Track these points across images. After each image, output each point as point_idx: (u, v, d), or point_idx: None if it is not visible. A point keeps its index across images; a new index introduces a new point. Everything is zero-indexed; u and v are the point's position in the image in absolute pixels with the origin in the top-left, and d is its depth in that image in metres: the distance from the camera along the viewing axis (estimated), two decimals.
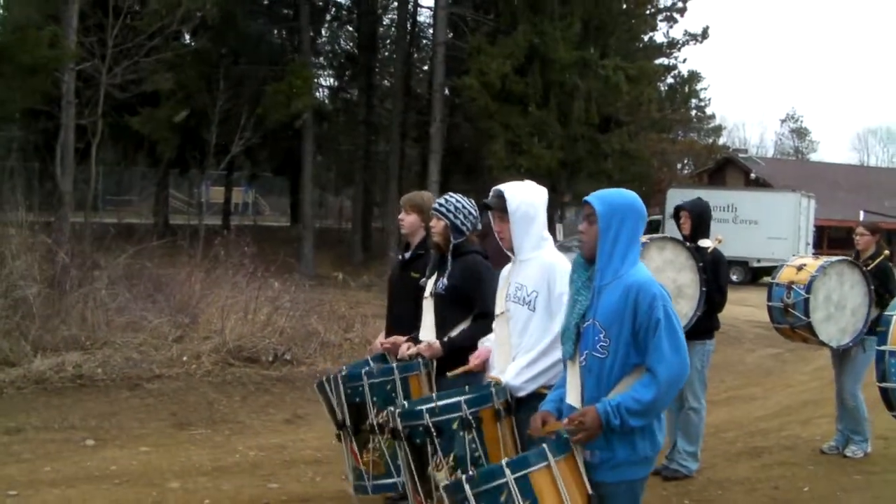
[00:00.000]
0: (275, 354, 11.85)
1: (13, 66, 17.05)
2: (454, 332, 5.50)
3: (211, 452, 8.24)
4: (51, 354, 10.37)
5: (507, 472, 3.59)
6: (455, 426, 4.33)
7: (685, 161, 46.80)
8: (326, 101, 33.47)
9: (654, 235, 7.85)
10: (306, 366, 11.90)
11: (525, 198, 4.75)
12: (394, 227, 26.60)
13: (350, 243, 29.89)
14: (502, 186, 4.83)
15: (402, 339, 5.78)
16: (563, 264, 4.58)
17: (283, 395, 10.60)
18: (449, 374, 5.19)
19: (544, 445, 3.74)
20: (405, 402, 4.88)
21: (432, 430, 4.30)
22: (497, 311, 4.90)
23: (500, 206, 4.76)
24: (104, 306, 11.68)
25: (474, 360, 5.18)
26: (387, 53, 33.78)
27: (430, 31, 29.88)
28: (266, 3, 30.80)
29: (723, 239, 7.86)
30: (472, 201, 5.69)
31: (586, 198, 4.00)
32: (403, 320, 5.97)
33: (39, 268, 11.87)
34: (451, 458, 4.30)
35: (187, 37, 24.71)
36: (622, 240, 3.88)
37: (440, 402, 4.49)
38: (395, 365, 5.57)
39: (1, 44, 18.71)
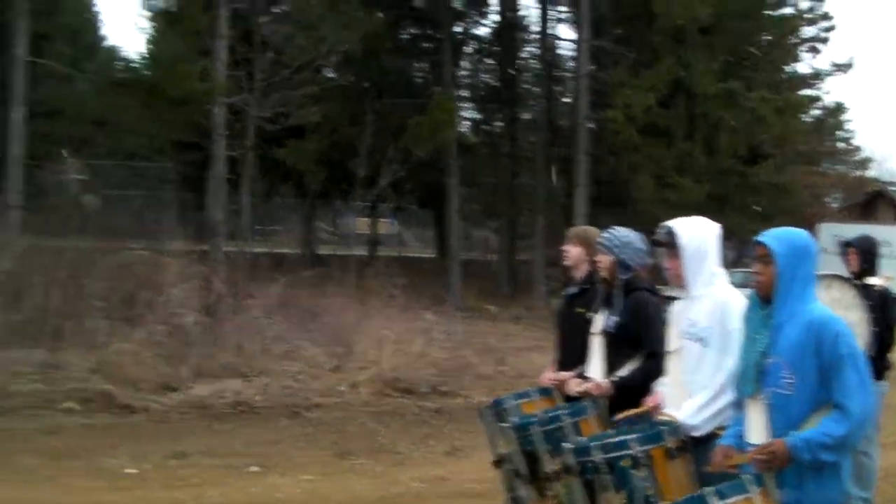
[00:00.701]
0: (431, 386, 11.85)
1: (165, 100, 17.67)
2: (623, 371, 5.39)
3: (373, 483, 8.26)
4: (210, 381, 10.62)
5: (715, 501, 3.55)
6: (626, 464, 4.27)
7: (834, 195, 45.43)
8: (469, 134, 33.70)
9: (820, 273, 7.56)
10: (462, 398, 11.86)
11: (696, 233, 4.70)
12: (540, 259, 26.55)
13: (496, 275, 29.93)
14: (672, 222, 4.77)
15: (568, 374, 5.69)
16: (736, 300, 4.52)
17: (441, 427, 10.57)
18: (618, 416, 5.09)
19: (744, 477, 3.68)
20: (577, 439, 4.81)
21: (603, 466, 4.26)
22: (669, 347, 4.81)
23: (671, 243, 4.70)
24: (260, 334, 11.89)
25: (648, 403, 5.06)
26: (528, 86, 33.82)
27: (572, 63, 29.86)
28: (408, 37, 31.26)
29: (893, 277, 7.53)
30: (642, 236, 5.59)
31: (760, 238, 3.97)
32: (570, 355, 5.89)
33: (197, 296, 12.18)
34: (623, 496, 4.23)
35: (333, 71, 25.24)
36: (800, 278, 3.90)
37: (611, 440, 4.44)
38: (564, 411, 5.46)
39: (153, 78, 19.46)
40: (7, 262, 12.37)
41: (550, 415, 5.43)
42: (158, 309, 11.96)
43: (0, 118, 20.72)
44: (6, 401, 10.02)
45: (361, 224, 34.37)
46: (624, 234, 5.53)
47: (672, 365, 4.79)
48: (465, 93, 33.22)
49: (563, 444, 4.52)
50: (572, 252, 6.02)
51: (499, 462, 5.55)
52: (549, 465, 5.04)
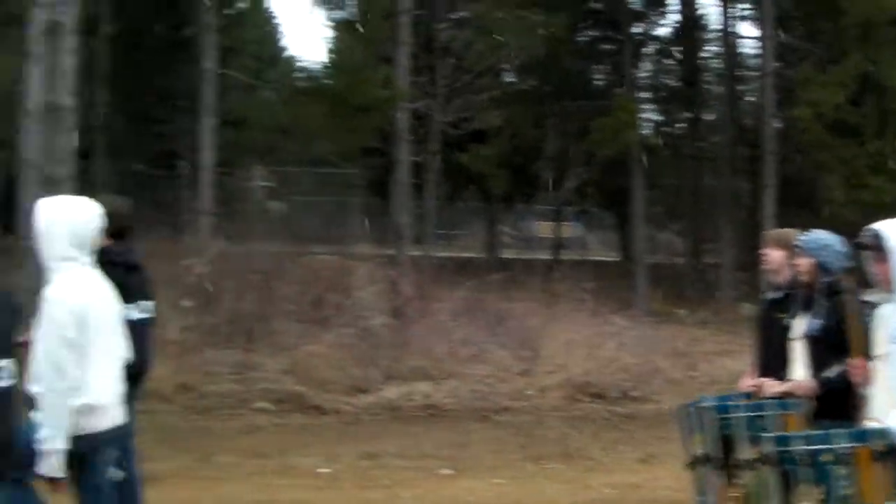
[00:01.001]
0: (621, 391, 11.65)
1: (349, 107, 18.00)
2: (829, 373, 5.17)
3: (565, 487, 8.15)
4: (400, 383, 10.72)
5: None
6: (828, 459, 4.16)
7: None
8: (652, 136, 33.24)
9: None
10: (653, 403, 11.61)
11: None
12: (726, 262, 25.85)
13: (681, 279, 29.35)
14: (878, 225, 4.56)
15: (768, 380, 5.50)
16: None
17: (632, 433, 10.38)
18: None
19: None
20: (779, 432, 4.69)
21: (803, 459, 4.16)
22: (877, 352, 4.59)
23: (878, 246, 4.48)
24: (447, 338, 11.94)
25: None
26: (710, 86, 33.11)
27: (755, 61, 29.00)
28: (587, 40, 31.08)
29: None
30: (842, 238, 5.36)
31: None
32: (771, 360, 5.69)
33: (384, 299, 12.33)
34: (820, 491, 4.16)
35: (514, 76, 25.28)
36: None
37: (814, 434, 4.34)
38: (771, 401, 5.29)
39: (337, 86, 19.85)
40: (201, 267, 12.79)
41: (755, 403, 5.31)
42: (347, 312, 12.18)
43: (192, 128, 21.57)
44: (203, 400, 10.38)
45: (543, 227, 34.33)
46: (822, 236, 5.39)
47: (879, 370, 4.58)
48: (646, 94, 32.81)
49: (764, 434, 4.46)
50: (773, 256, 5.81)
51: (693, 463, 5.41)
52: (746, 453, 4.98)
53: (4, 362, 3.44)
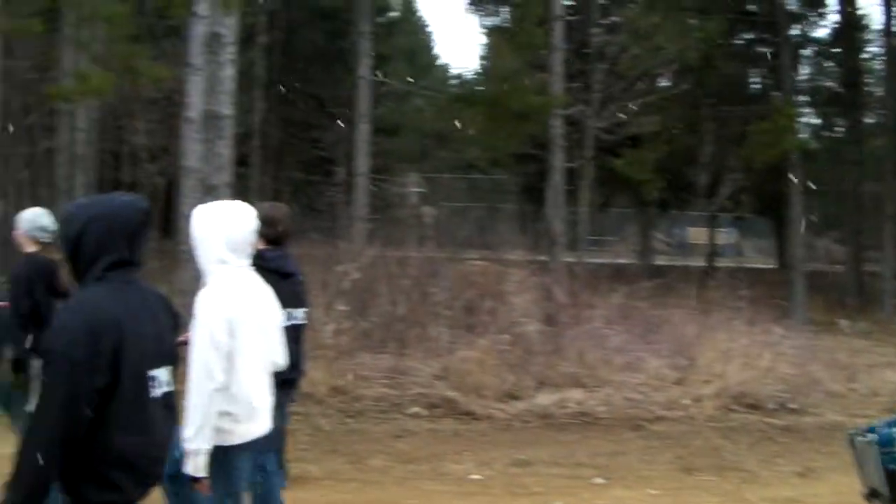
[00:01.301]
0: (779, 402, 11.28)
1: (503, 114, 17.99)
2: None
3: (720, 500, 7.96)
4: (553, 390, 10.62)
5: None
6: None
7: None
8: (810, 140, 32.27)
9: None
10: (812, 416, 11.20)
11: None
12: (889, 271, 24.85)
13: (841, 288, 28.36)
14: None
15: None
16: None
17: (790, 446, 10.01)
18: None
19: None
20: None
21: None
22: None
23: None
24: (601, 345, 11.78)
25: None
26: (872, 88, 31.91)
27: None
28: (743, 43, 30.40)
29: None
30: None
31: None
32: None
33: (537, 305, 12.25)
34: None
35: (668, 80, 24.89)
36: None
37: None
38: None
39: (491, 93, 19.88)
40: (355, 272, 12.95)
41: None
42: (500, 318, 12.14)
43: (347, 135, 21.96)
44: (356, 404, 10.49)
45: (697, 234, 33.76)
46: None
47: None
48: (804, 97, 31.88)
49: None
50: None
51: (871, 495, 5.13)
52: None
53: (160, 371, 3.49)
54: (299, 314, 6.04)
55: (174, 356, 3.66)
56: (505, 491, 7.71)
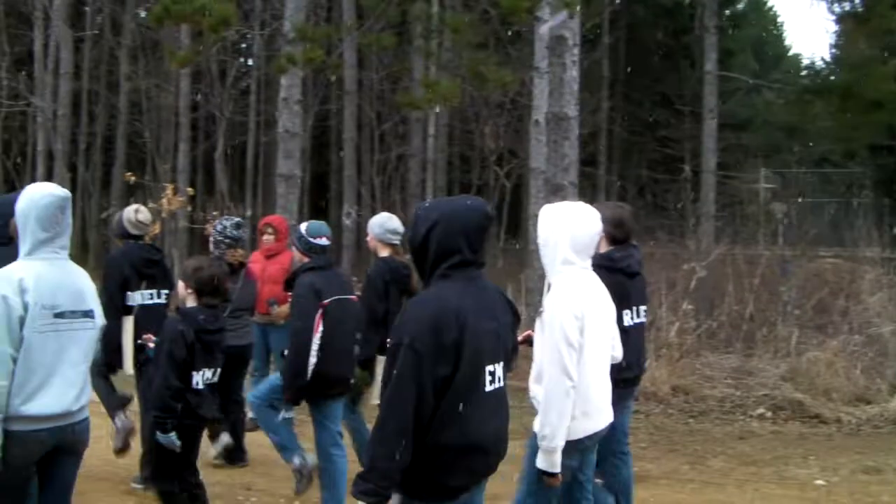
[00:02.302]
0: None
1: (857, 103, 17.18)
2: None
3: None
4: None
5: None
6: None
7: None
8: None
9: None
10: None
11: None
12: None
13: None
14: None
15: None
16: None
17: None
18: None
19: None
20: None
21: None
22: None
23: None
24: None
25: None
26: None
27: None
28: None
29: None
30: None
31: None
32: None
33: (894, 305, 11.64)
34: None
35: None
36: None
37: None
38: None
39: (843, 82, 19.00)
40: (702, 271, 12.84)
41: None
42: (853, 318, 11.65)
43: (694, 132, 21.72)
44: (700, 404, 10.43)
45: None
46: None
47: None
48: None
49: None
50: None
51: None
52: None
53: (496, 366, 3.68)
54: (643, 312, 6.14)
55: (511, 353, 3.86)
56: (851, 499, 7.39)
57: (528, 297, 13.20)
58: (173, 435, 5.27)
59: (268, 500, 7.10)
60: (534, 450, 4.53)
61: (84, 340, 4.49)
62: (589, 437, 4.72)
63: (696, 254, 13.60)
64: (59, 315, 4.31)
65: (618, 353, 5.01)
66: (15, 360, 4.18)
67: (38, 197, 4.42)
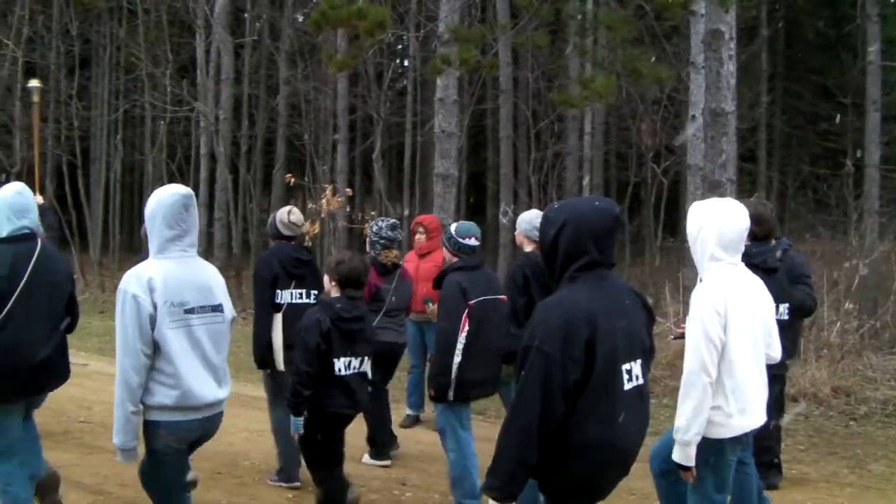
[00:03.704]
0: None
1: None
2: None
3: None
4: None
5: None
6: None
7: None
8: None
9: None
10: None
11: None
12: None
13: None
14: None
15: None
16: None
17: None
18: None
19: None
20: None
21: None
22: None
23: None
24: None
25: None
26: None
27: None
28: None
29: None
30: None
31: None
32: None
33: None
34: None
35: None
36: None
37: None
38: None
39: None
40: (865, 268, 12.43)
41: None
42: None
43: (857, 125, 20.97)
44: (862, 406, 10.07)
45: None
46: None
47: None
48: None
49: None
50: None
51: None
52: None
53: (633, 364, 3.67)
54: (784, 309, 6.00)
55: (647, 350, 3.84)
56: None
57: (686, 296, 12.98)
58: (300, 421, 5.45)
59: (422, 496, 7.20)
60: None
61: (216, 334, 4.70)
62: (746, 434, 4.72)
63: (859, 251, 13.12)
64: (189, 311, 4.52)
65: (774, 351, 4.93)
66: (147, 356, 4.40)
67: (163, 197, 4.61)
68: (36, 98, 8.83)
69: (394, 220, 8.14)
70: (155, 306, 4.39)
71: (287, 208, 7.46)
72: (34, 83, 9.06)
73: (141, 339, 4.37)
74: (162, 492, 4.71)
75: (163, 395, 4.44)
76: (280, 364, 7.01)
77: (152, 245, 4.61)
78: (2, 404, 5.23)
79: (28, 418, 5.67)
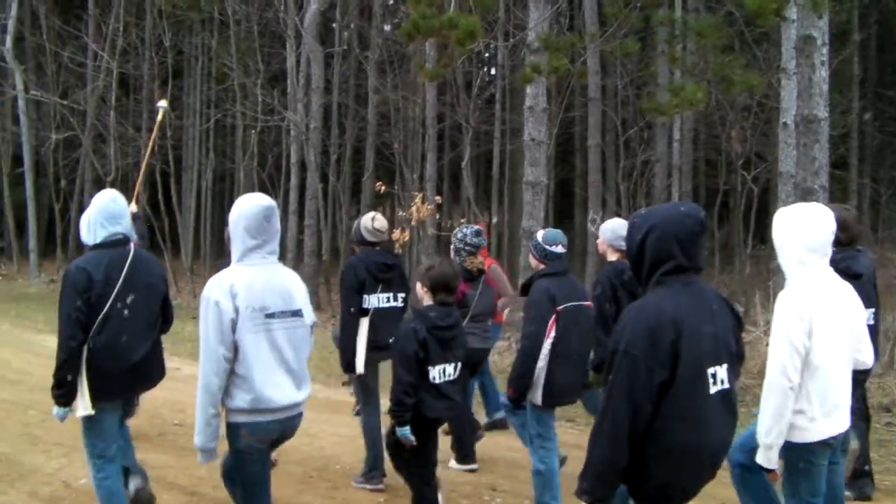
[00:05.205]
0: None
1: None
2: None
3: None
4: None
5: None
6: None
7: None
8: None
9: None
10: None
11: None
12: None
13: None
14: None
15: None
16: None
17: None
18: None
19: None
20: None
21: None
22: None
23: None
24: None
25: None
26: None
27: None
28: None
29: None
30: None
31: None
32: None
33: None
34: None
35: None
36: None
37: None
38: None
39: None
40: None
41: None
42: None
43: None
44: None
45: None
46: None
47: None
48: None
49: None
50: None
51: None
52: None
53: (719, 368, 3.65)
54: (869, 314, 5.91)
55: (734, 355, 3.81)
56: None
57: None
58: (407, 429, 5.48)
59: (512, 502, 7.19)
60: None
61: (297, 338, 4.77)
62: (833, 438, 4.66)
63: None
64: (269, 316, 4.60)
65: (865, 356, 4.90)
66: (228, 360, 4.50)
67: (245, 207, 4.70)
68: (160, 117, 9.04)
69: (477, 227, 8.15)
70: (236, 311, 4.49)
71: (371, 214, 7.50)
72: (163, 103, 9.27)
73: (222, 343, 4.48)
74: (244, 489, 4.80)
75: (240, 398, 4.55)
76: (360, 368, 7.07)
77: (234, 253, 4.71)
78: (100, 404, 5.37)
79: (122, 426, 5.83)
